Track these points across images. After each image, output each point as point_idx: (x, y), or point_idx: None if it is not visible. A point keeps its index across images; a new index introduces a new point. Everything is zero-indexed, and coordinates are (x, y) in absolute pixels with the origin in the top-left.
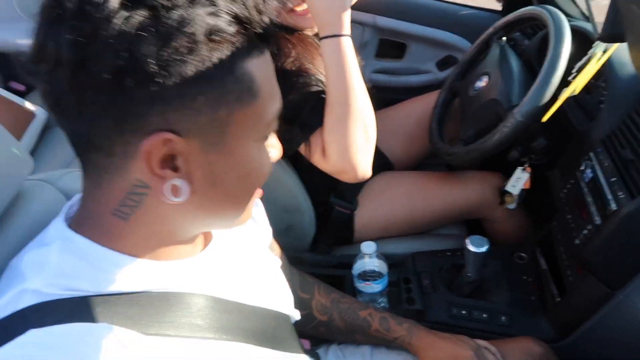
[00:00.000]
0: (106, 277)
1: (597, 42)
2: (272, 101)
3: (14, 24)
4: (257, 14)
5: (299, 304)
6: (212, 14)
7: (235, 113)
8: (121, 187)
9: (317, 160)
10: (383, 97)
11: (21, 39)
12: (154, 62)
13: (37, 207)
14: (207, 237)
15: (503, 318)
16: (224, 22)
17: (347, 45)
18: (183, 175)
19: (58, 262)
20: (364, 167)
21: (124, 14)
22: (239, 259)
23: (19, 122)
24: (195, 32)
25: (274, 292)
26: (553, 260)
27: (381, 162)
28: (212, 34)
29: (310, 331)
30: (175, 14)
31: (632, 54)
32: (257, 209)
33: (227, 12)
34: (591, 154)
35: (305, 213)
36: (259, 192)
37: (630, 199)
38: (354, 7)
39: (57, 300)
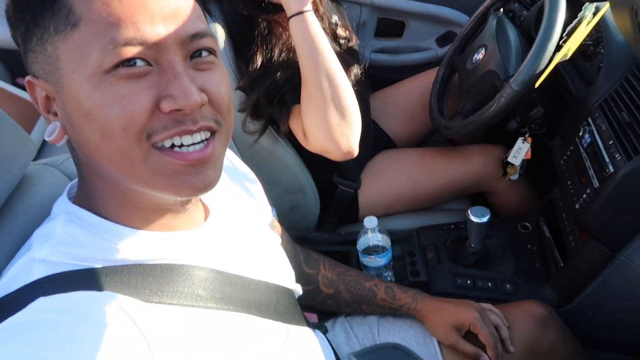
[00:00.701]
0: (110, 247)
1: (586, 4)
2: (102, 31)
3: None
4: None
5: (305, 279)
6: None
7: (59, 46)
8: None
9: (301, 141)
10: (384, 77)
11: None
12: (9, 12)
13: (42, 189)
14: (206, 211)
15: (508, 286)
16: None
17: (311, 20)
18: (58, 119)
19: (62, 232)
20: (345, 144)
21: None
22: (239, 234)
23: (28, 117)
24: None
25: (275, 266)
26: (556, 227)
27: (383, 140)
28: None
29: (318, 305)
30: None
31: (613, 13)
32: (255, 187)
33: None
34: (589, 119)
35: (309, 193)
36: (197, 153)
37: (627, 161)
38: None
39: (65, 272)
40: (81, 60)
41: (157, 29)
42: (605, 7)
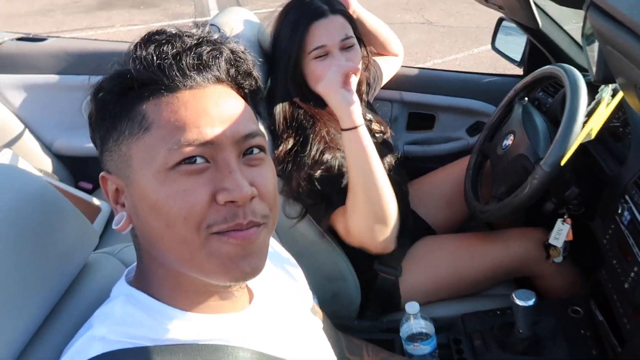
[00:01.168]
0: (162, 328)
1: (602, 87)
2: (169, 135)
3: (82, 130)
4: (145, 67)
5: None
6: (114, 74)
7: (132, 147)
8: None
9: (342, 235)
10: (419, 167)
11: (88, 143)
12: (93, 117)
13: (101, 277)
14: (250, 295)
15: None
16: (121, 77)
17: (363, 134)
18: (126, 209)
19: (121, 313)
20: (384, 243)
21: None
22: (282, 317)
23: (88, 216)
24: (104, 87)
25: (317, 350)
26: (608, 310)
27: (422, 228)
28: (113, 88)
29: None
30: (103, 80)
31: (624, 94)
32: (296, 271)
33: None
34: (626, 197)
35: (350, 281)
36: (237, 236)
37: None
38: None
39: (122, 349)
40: (150, 158)
41: (216, 131)
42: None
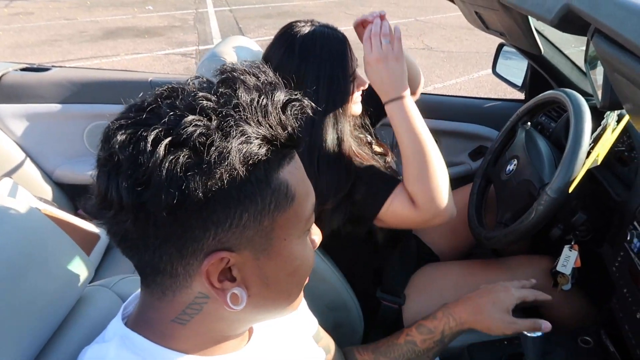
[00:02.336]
0: None
1: (608, 112)
2: (307, 198)
3: (84, 159)
4: (281, 130)
5: None
6: (244, 142)
7: (277, 219)
8: (183, 300)
9: (406, 215)
10: None
11: (89, 170)
12: (201, 194)
13: (96, 311)
14: (250, 330)
15: None
16: (255, 147)
17: (410, 103)
18: (239, 284)
19: (115, 357)
20: (451, 206)
21: (170, 157)
22: (282, 349)
23: (86, 243)
24: (233, 162)
25: None
26: (620, 340)
27: (426, 254)
28: (246, 160)
29: None
30: (214, 150)
31: (632, 120)
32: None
33: (256, 137)
34: (635, 223)
35: (352, 310)
36: (307, 279)
37: None
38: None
39: None
40: (294, 227)
41: None
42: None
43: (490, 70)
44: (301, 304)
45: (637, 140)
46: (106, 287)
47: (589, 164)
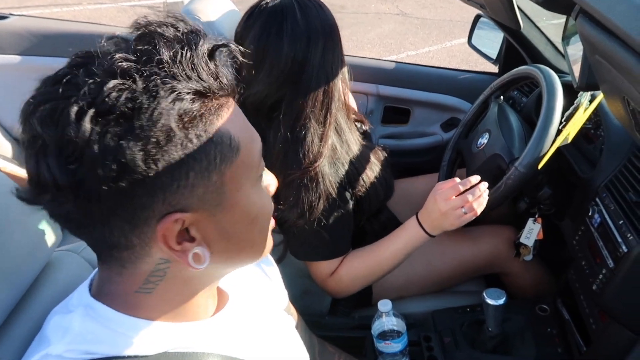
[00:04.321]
0: (126, 342)
1: (582, 92)
2: (253, 144)
3: None
4: (213, 80)
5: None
6: (175, 99)
7: (225, 172)
8: (145, 269)
9: (317, 274)
10: (393, 161)
11: None
12: (141, 162)
13: (64, 276)
14: (223, 298)
15: None
16: (188, 103)
17: (422, 242)
18: (199, 242)
19: (80, 328)
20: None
21: (98, 129)
22: (255, 319)
23: None
24: (167, 123)
25: (290, 351)
26: (575, 309)
27: (393, 225)
28: (182, 118)
29: None
30: (145, 113)
31: (607, 101)
32: (271, 269)
33: (187, 92)
34: (597, 200)
35: None
36: (273, 223)
37: (639, 240)
38: (357, 79)
39: None
40: (245, 178)
41: None
42: (601, 95)
43: (463, 40)
44: (274, 271)
45: (604, 119)
46: (74, 252)
47: (559, 141)
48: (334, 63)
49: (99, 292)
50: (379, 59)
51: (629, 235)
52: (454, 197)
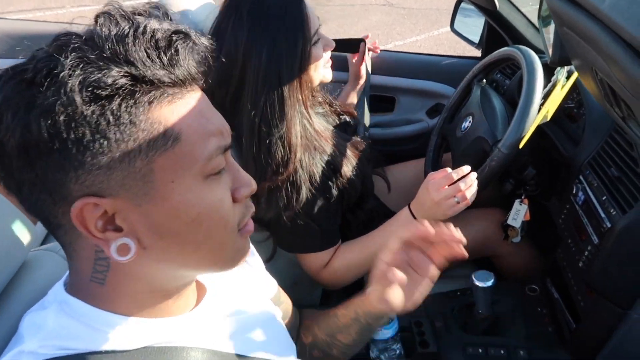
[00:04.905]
0: (101, 337)
1: (558, 69)
2: (204, 139)
3: None
4: (159, 68)
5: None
6: (91, 75)
7: (155, 161)
8: (87, 255)
9: (309, 266)
10: (379, 149)
11: None
12: (45, 133)
13: (41, 275)
14: (202, 291)
15: (521, 352)
16: (108, 80)
17: (410, 231)
18: (127, 234)
19: (54, 324)
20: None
21: (15, 92)
22: (237, 311)
23: None
24: (72, 97)
25: (274, 342)
26: (564, 288)
27: (385, 214)
28: (92, 96)
29: None
30: (53, 83)
31: (580, 77)
32: (254, 259)
33: (118, 73)
34: (581, 177)
35: None
36: (249, 228)
37: (622, 214)
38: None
39: (52, 358)
40: (182, 171)
41: (228, 132)
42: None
43: (449, 29)
44: (258, 264)
45: (585, 97)
46: (52, 250)
47: (538, 119)
48: (284, 55)
49: (72, 287)
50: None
51: (612, 210)
52: (446, 186)
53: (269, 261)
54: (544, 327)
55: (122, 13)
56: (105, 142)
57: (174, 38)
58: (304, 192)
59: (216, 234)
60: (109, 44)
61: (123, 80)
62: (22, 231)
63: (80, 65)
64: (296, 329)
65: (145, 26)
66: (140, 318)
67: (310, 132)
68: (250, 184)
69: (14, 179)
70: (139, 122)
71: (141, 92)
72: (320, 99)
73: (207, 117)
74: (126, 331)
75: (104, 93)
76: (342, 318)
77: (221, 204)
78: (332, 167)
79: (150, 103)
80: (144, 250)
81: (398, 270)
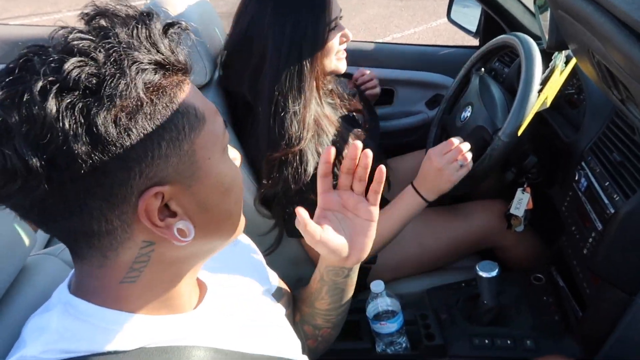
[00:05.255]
0: (105, 337)
1: (556, 54)
2: (215, 116)
3: None
4: (171, 54)
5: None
6: (140, 70)
7: (195, 141)
8: (128, 256)
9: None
10: (380, 142)
11: None
12: (114, 132)
13: (42, 279)
14: (203, 290)
15: (528, 342)
16: (150, 74)
17: (421, 208)
18: (182, 217)
19: (57, 326)
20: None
21: (65, 104)
22: (238, 308)
23: None
24: (137, 92)
25: (277, 338)
26: (569, 276)
27: (383, 205)
28: (149, 87)
29: (311, 345)
30: (111, 84)
31: (577, 61)
32: (256, 256)
33: (149, 63)
34: (583, 164)
35: (315, 264)
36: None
37: (625, 200)
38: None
39: None
40: (212, 146)
41: None
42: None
43: (446, 19)
44: (260, 260)
45: (585, 83)
46: (52, 254)
47: (537, 106)
48: (306, 34)
49: (78, 289)
50: (360, 41)
51: (615, 196)
52: (446, 152)
53: (271, 253)
54: (550, 316)
55: (118, 13)
56: (161, 131)
57: (172, 30)
58: (311, 168)
59: (240, 199)
60: (136, 39)
61: (159, 75)
62: (20, 235)
63: (127, 63)
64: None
65: (150, 20)
66: (146, 315)
67: (320, 115)
68: (238, 155)
69: (55, 197)
70: (179, 107)
71: (171, 80)
72: (331, 87)
73: (206, 99)
74: (130, 329)
75: (154, 87)
76: (313, 284)
77: (237, 172)
78: (338, 150)
79: (180, 89)
80: (194, 229)
81: (334, 212)
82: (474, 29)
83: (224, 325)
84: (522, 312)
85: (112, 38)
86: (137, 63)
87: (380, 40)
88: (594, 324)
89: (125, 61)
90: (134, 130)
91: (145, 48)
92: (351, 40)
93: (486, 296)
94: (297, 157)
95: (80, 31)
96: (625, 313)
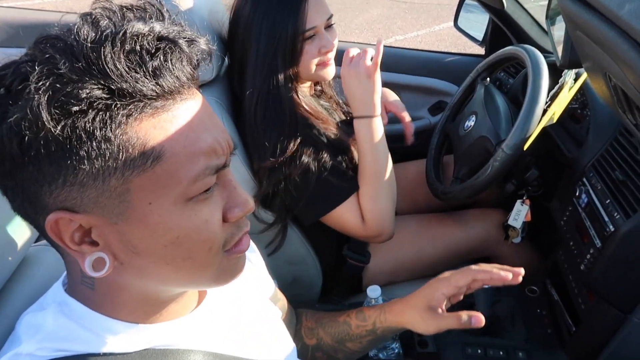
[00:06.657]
0: (100, 341)
1: (566, 71)
2: (188, 160)
3: None
4: (141, 82)
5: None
6: (59, 91)
7: (132, 180)
8: (74, 259)
9: (351, 227)
10: None
11: None
12: (16, 148)
13: (41, 271)
14: (203, 292)
15: (521, 354)
16: (81, 95)
17: (378, 124)
18: (103, 249)
19: (53, 325)
20: (392, 229)
21: None
22: (236, 312)
23: None
24: (38, 114)
25: (274, 343)
26: (564, 290)
27: None
28: (61, 113)
29: None
30: (20, 100)
31: (590, 79)
32: (254, 256)
33: (94, 86)
34: (584, 180)
35: (310, 265)
36: (241, 248)
37: (626, 219)
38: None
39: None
40: (162, 192)
41: (224, 149)
42: (585, 73)
43: (451, 24)
44: (259, 262)
45: (591, 99)
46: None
47: (545, 121)
48: (281, 38)
49: (70, 288)
50: (365, 44)
51: (615, 214)
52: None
53: (272, 254)
54: (544, 329)
55: (108, 13)
56: (77, 159)
57: (160, 45)
58: (315, 162)
59: (198, 255)
60: (85, 52)
61: (97, 93)
62: (21, 227)
63: (50, 79)
64: (292, 326)
65: (125, 32)
66: (142, 325)
67: (308, 117)
68: (246, 205)
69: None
70: (114, 139)
71: (118, 106)
72: (328, 91)
73: (197, 132)
74: (125, 335)
75: (75, 108)
76: (355, 329)
77: (205, 225)
78: (335, 151)
79: (128, 117)
80: (121, 266)
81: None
82: (480, 37)
83: (222, 328)
84: (516, 323)
85: (71, 52)
86: (62, 85)
87: (383, 42)
88: (587, 339)
89: (50, 79)
90: (41, 150)
91: (99, 70)
92: (357, 43)
93: (481, 306)
94: (289, 164)
95: (30, 56)
96: (619, 331)
